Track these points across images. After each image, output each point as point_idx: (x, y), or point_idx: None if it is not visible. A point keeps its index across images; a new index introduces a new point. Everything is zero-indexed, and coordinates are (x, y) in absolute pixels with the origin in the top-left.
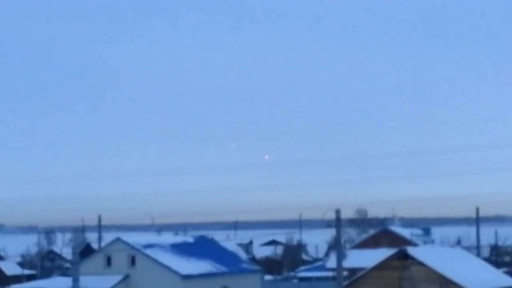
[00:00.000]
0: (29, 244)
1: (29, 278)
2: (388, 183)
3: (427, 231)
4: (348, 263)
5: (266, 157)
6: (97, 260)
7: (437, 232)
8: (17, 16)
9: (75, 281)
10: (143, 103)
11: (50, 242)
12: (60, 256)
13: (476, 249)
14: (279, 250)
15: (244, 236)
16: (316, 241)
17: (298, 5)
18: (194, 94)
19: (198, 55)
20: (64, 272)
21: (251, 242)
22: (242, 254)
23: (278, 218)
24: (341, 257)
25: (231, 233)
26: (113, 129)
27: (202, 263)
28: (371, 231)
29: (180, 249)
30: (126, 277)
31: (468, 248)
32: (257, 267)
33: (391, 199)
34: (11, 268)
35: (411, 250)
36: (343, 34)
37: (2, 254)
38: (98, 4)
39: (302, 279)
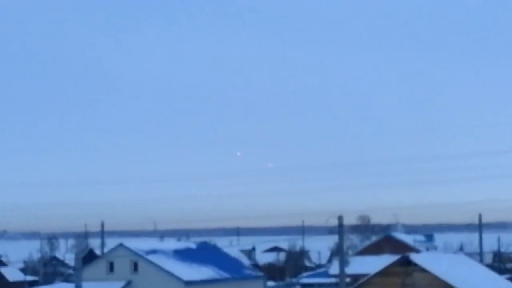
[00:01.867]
0: (32, 250)
1: (32, 284)
2: (390, 189)
3: (429, 238)
4: (350, 269)
5: (270, 164)
6: (99, 266)
7: (439, 238)
8: (14, 17)
9: (78, 287)
10: (145, 108)
11: (53, 248)
12: (62, 262)
13: (479, 256)
14: (282, 256)
15: (246, 242)
16: (319, 248)
17: (301, 9)
18: (196, 100)
19: (199, 59)
20: (66, 278)
21: (253, 248)
22: (245, 260)
23: (281, 224)
24: (343, 263)
25: (234, 239)
26: (115, 134)
27: (205, 269)
28: (374, 238)
29: (182, 255)
30: (129, 283)
31: (470, 255)
32: (259, 273)
33: (394, 205)
34: (13, 274)
35: (413, 257)
36: (347, 39)
37: (5, 260)
38: (96, 6)
39: (304, 285)
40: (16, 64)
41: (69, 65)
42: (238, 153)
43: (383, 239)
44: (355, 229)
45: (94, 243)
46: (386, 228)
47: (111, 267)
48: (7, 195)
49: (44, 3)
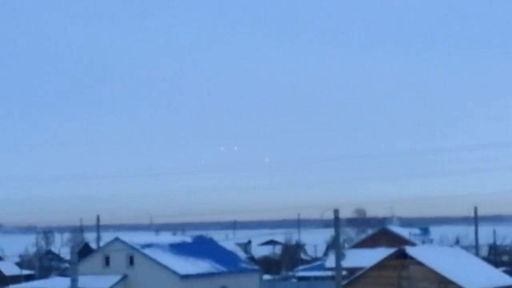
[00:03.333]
0: (28, 244)
1: (28, 278)
2: (386, 182)
3: (425, 231)
4: (346, 262)
5: (266, 159)
6: (95, 260)
7: (435, 231)
8: (12, 15)
9: (74, 281)
10: (141, 102)
11: (49, 242)
12: (58, 256)
13: (475, 249)
14: (278, 249)
15: (242, 235)
16: (315, 241)
17: (299, 4)
18: (192, 93)
19: (197, 53)
20: (62, 272)
21: (249, 242)
22: (241, 254)
23: (277, 217)
24: (339, 256)
25: (230, 232)
26: (111, 128)
27: (201, 263)
28: (370, 231)
29: (178, 248)
30: (125, 277)
31: (466, 248)
32: (255, 267)
33: (390, 198)
34: (9, 268)
35: (409, 250)
36: (344, 33)
37: (1, 254)
38: (95, 3)
39: (300, 278)
40: (12, 58)
41: (65, 59)
42: (235, 147)
43: (379, 232)
44: (351, 222)
45: (90, 237)
46: (382, 221)
47: (106, 261)
48: (2, 189)
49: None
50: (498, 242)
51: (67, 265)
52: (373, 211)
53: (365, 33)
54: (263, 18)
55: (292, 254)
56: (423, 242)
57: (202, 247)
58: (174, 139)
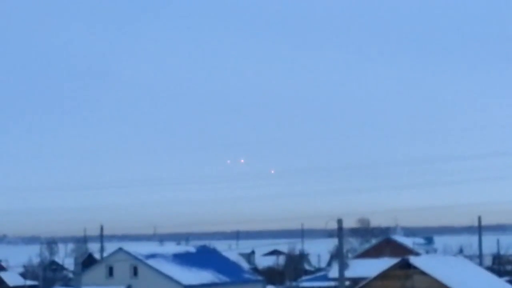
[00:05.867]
0: (31, 254)
1: None
2: (390, 192)
3: (429, 240)
4: (350, 272)
5: (270, 169)
6: (99, 271)
7: (439, 241)
8: (11, 16)
9: None
10: (146, 112)
11: (52, 252)
12: (62, 267)
13: (478, 258)
14: (281, 259)
15: (246, 246)
16: (318, 251)
17: (301, 10)
18: (196, 103)
19: (201, 62)
20: (66, 283)
21: (253, 252)
22: (244, 264)
23: (280, 227)
24: (343, 266)
25: (233, 243)
26: (114, 138)
27: (204, 273)
28: (373, 241)
29: (182, 259)
30: None
31: (470, 257)
32: (259, 277)
33: (393, 208)
34: (13, 279)
35: (413, 260)
36: (349, 40)
37: (4, 265)
38: (94, 5)
39: None
40: (13, 65)
41: (66, 67)
42: (242, 160)
43: (382, 242)
44: (354, 232)
45: (94, 248)
46: (385, 231)
47: (110, 272)
48: (6, 200)
49: (43, 1)
50: (502, 252)
51: (71, 275)
52: (376, 221)
53: (368, 40)
54: (266, 25)
55: (295, 264)
56: (427, 252)
57: (205, 257)
58: (177, 149)
